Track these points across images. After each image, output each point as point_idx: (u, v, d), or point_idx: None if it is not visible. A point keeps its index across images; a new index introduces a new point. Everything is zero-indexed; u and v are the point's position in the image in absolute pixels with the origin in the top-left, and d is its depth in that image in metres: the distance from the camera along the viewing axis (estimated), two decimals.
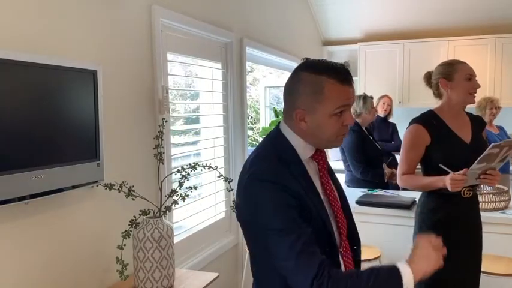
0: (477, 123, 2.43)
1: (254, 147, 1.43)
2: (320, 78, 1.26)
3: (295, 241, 1.17)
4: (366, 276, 1.17)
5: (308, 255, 1.17)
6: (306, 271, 1.16)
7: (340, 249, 1.36)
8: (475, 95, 2.32)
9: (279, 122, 1.39)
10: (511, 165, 4.22)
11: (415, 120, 2.34)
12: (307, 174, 1.31)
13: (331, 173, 1.46)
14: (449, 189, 2.15)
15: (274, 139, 1.36)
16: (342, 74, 1.26)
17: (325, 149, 1.42)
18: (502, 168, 2.65)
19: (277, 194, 1.21)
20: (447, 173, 2.19)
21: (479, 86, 2.31)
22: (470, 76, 2.28)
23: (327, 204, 1.35)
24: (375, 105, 4.29)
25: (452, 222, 2.26)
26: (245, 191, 1.28)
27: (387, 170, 3.79)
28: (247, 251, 2.88)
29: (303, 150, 1.33)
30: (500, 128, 4.55)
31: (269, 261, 1.25)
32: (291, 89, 1.32)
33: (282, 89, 1.37)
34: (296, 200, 1.22)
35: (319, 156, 1.37)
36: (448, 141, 2.27)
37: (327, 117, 1.26)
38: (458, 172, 2.14)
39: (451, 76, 2.30)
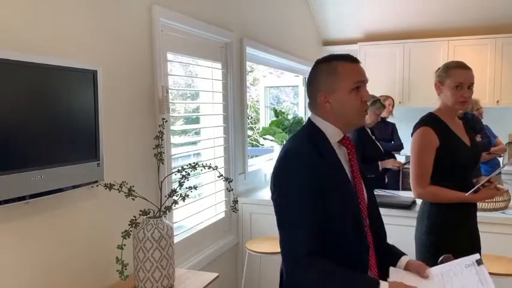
0: (469, 126, 2.42)
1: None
2: (333, 63, 1.45)
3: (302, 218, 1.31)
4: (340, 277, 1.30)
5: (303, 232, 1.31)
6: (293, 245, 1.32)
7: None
8: (466, 101, 2.25)
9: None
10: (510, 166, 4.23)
11: (422, 123, 2.27)
12: (335, 153, 1.44)
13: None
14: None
15: (306, 127, 1.51)
16: (350, 57, 1.47)
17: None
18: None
19: (303, 172, 1.33)
20: (450, 175, 2.21)
21: (468, 95, 2.23)
22: (460, 84, 2.21)
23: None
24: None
25: (459, 228, 2.25)
26: (277, 167, 1.41)
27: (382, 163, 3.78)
28: (248, 251, 2.90)
29: (332, 133, 1.46)
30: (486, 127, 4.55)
31: None
32: (311, 81, 1.49)
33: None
34: (321, 178, 1.33)
35: (348, 141, 1.49)
36: (454, 144, 2.24)
37: (347, 93, 1.42)
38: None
39: (443, 81, 2.26)
